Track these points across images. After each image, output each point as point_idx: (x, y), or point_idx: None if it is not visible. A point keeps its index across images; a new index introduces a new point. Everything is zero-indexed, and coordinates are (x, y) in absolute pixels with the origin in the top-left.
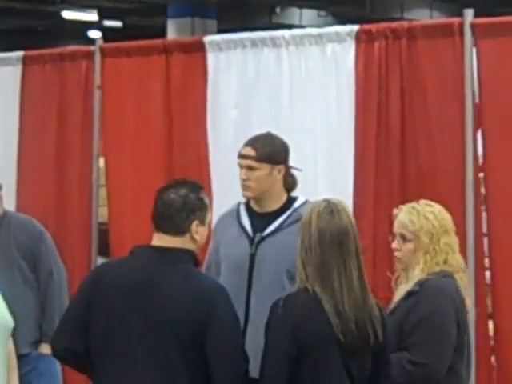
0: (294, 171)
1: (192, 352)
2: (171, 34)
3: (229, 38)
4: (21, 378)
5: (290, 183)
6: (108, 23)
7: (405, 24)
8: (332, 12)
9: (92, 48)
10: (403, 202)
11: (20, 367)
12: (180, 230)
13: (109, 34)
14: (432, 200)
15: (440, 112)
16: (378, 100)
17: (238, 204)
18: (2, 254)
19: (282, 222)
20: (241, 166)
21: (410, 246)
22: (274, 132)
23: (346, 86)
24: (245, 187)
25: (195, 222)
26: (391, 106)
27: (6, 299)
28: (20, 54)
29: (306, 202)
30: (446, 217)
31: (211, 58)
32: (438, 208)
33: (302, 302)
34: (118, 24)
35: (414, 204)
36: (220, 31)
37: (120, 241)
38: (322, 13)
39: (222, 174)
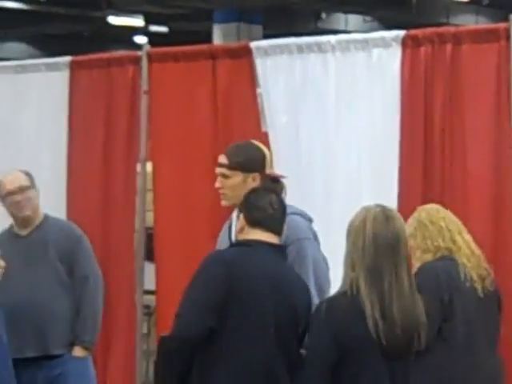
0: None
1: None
2: (217, 39)
3: (275, 43)
4: (54, 379)
5: None
6: (154, 28)
7: (451, 29)
8: (378, 17)
9: (139, 53)
10: (448, 207)
11: (53, 368)
12: (282, 232)
13: (154, 40)
14: (478, 205)
15: (486, 116)
16: (423, 105)
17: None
18: (40, 257)
19: None
20: (217, 174)
21: None
22: (322, 137)
23: (391, 90)
24: (222, 195)
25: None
26: (437, 110)
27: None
28: (67, 59)
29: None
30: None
31: (258, 63)
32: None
33: (345, 306)
34: (163, 29)
35: None
36: (266, 36)
37: (165, 245)
38: (368, 18)
39: None
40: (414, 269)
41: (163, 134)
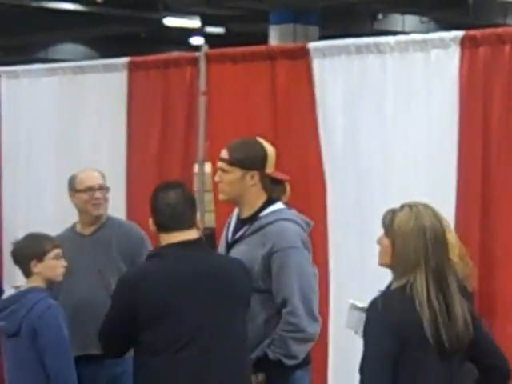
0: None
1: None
2: (273, 40)
3: (333, 44)
4: (116, 377)
5: (274, 192)
6: (210, 30)
7: (509, 29)
8: (434, 18)
9: (197, 54)
10: (507, 210)
11: (116, 366)
12: (192, 223)
13: (211, 41)
14: None
15: None
16: (482, 105)
17: None
18: (104, 256)
19: (245, 231)
20: (217, 168)
21: None
22: (379, 138)
23: (449, 91)
24: (219, 189)
25: (197, 214)
26: (495, 111)
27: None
28: (125, 60)
29: (275, 212)
30: None
31: (316, 64)
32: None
33: (401, 302)
34: (220, 30)
35: None
36: (322, 37)
37: None
38: (425, 19)
39: (330, 180)
40: None
41: (222, 135)
